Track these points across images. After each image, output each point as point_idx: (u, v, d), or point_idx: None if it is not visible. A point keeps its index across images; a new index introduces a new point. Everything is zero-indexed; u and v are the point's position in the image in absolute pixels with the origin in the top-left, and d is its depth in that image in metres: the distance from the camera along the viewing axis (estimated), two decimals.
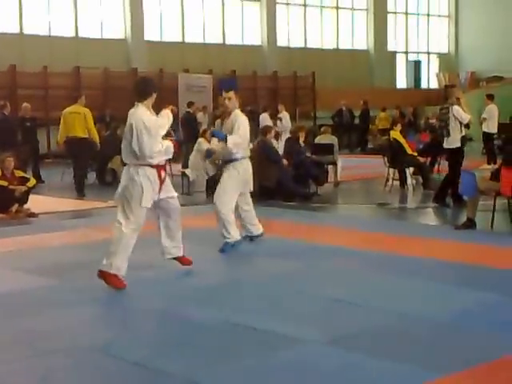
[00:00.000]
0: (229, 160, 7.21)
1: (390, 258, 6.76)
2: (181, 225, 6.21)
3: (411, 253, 6.96)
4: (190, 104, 17.10)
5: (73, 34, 21.47)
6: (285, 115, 18.36)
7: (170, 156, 5.92)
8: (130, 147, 5.76)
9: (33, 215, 9.79)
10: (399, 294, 5.48)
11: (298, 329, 4.68)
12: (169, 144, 5.88)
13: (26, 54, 19.93)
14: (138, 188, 5.75)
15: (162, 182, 5.89)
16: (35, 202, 10.15)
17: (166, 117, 6.05)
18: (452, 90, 10.45)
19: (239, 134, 6.97)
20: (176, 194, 6.16)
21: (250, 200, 7.45)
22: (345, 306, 5.20)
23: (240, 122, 7.02)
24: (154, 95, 5.90)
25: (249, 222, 7.48)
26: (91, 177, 14.18)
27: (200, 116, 18.60)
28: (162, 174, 5.90)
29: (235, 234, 7.11)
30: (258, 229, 7.54)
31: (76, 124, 12.21)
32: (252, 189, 7.44)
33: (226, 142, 6.93)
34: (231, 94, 7.14)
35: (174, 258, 6.25)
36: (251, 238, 7.48)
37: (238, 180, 7.17)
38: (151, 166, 5.79)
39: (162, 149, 5.80)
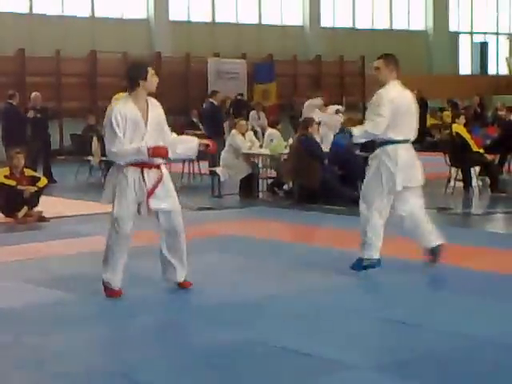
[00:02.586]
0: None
1: (451, 271, 6.70)
2: (184, 246, 6.02)
3: (476, 266, 6.89)
4: (213, 93, 17.14)
5: (89, 14, 21.71)
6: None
7: (143, 157, 5.66)
8: None
9: (44, 219, 9.92)
10: (462, 314, 5.43)
11: (341, 352, 4.67)
12: (139, 146, 5.66)
13: (36, 36, 20.21)
14: (118, 191, 5.78)
15: (156, 185, 5.76)
16: (46, 205, 10.28)
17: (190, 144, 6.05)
18: None
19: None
20: (177, 206, 5.94)
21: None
22: (397, 327, 5.17)
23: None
24: (144, 83, 5.76)
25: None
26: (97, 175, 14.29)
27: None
28: (150, 175, 5.75)
29: None
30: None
31: None
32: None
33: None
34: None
35: (178, 283, 6.11)
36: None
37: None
38: (132, 164, 5.72)
39: (125, 148, 5.63)
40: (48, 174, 13.63)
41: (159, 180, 5.80)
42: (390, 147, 6.42)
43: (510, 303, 5.73)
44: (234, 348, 4.81)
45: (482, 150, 12.37)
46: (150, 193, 5.76)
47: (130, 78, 5.82)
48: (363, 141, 6.96)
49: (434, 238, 6.65)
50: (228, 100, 19.38)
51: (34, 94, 14.72)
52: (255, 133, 15.68)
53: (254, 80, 22.76)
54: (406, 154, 6.46)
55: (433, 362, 4.53)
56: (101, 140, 14.93)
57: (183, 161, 14.58)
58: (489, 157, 12.53)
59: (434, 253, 6.65)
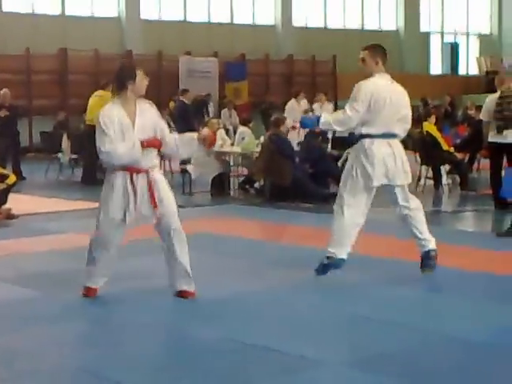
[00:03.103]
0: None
1: (417, 268, 6.74)
2: (186, 250, 5.84)
3: (446, 263, 6.92)
4: (183, 92, 17.13)
5: (59, 12, 21.56)
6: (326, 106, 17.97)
7: (133, 160, 5.50)
8: None
9: (12, 217, 9.81)
10: (431, 311, 5.47)
11: (312, 348, 4.67)
12: (133, 141, 5.48)
13: (6, 34, 20.01)
14: (104, 195, 5.68)
15: (151, 193, 5.57)
16: (15, 202, 10.17)
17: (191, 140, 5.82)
18: (502, 76, 10.47)
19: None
20: (175, 210, 5.76)
21: None
22: (370, 324, 5.19)
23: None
24: (133, 86, 5.59)
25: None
26: (78, 174, 14.22)
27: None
28: (140, 180, 5.58)
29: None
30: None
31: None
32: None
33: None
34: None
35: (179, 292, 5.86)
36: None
37: None
38: (122, 169, 5.58)
39: (117, 146, 5.46)
40: (17, 172, 13.50)
41: (151, 187, 5.60)
42: (366, 141, 6.15)
43: (477, 300, 5.77)
44: (206, 345, 4.80)
45: (452, 149, 12.48)
46: (154, 203, 5.58)
47: (118, 80, 5.66)
48: (327, 130, 6.81)
49: (427, 243, 6.39)
50: (199, 98, 19.39)
51: (3, 91, 14.60)
52: (227, 131, 15.69)
53: (225, 79, 22.75)
54: (385, 149, 6.14)
55: (404, 357, 4.56)
56: (71, 137, 14.87)
57: None
58: (459, 155, 12.64)
59: (425, 257, 6.39)
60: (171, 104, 18.04)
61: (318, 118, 6.29)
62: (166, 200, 5.68)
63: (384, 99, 6.08)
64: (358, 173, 6.16)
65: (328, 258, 6.24)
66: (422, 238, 6.40)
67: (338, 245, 6.23)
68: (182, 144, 5.77)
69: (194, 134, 5.87)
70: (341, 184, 6.32)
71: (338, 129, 6.31)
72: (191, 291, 5.82)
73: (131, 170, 5.58)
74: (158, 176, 5.72)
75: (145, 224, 5.79)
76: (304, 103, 17.39)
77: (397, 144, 6.26)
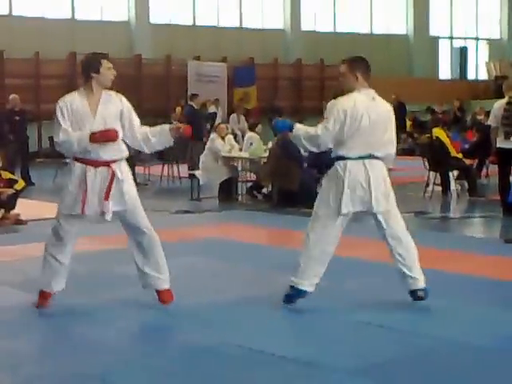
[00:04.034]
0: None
1: (428, 275, 6.72)
2: (158, 248, 5.66)
3: (453, 269, 6.94)
4: (192, 97, 17.16)
5: (68, 16, 21.65)
6: None
7: (83, 149, 5.32)
8: None
9: (21, 222, 9.86)
10: (438, 317, 5.47)
11: (316, 355, 4.68)
12: (82, 132, 5.35)
13: (15, 38, 20.11)
14: (63, 186, 5.59)
15: (110, 185, 5.39)
16: (24, 208, 10.23)
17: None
18: (510, 82, 10.44)
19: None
20: (133, 204, 5.53)
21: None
22: (375, 330, 5.20)
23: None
24: (97, 76, 5.49)
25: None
26: None
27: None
28: (97, 174, 5.40)
29: None
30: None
31: None
32: None
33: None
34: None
35: (156, 291, 5.75)
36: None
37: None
38: (76, 159, 5.44)
39: (69, 137, 5.34)
40: (26, 177, 13.57)
41: (111, 180, 5.43)
42: (340, 163, 5.52)
43: (485, 306, 5.77)
44: (209, 350, 4.81)
45: (460, 155, 12.47)
46: (106, 197, 5.42)
47: (83, 71, 5.60)
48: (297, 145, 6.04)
49: (415, 282, 5.68)
50: (208, 103, 19.41)
51: (12, 95, 14.67)
52: (235, 136, 15.71)
53: (234, 83, 22.79)
54: (360, 173, 5.48)
55: (410, 364, 4.57)
56: None
57: (162, 164, 14.58)
58: (467, 161, 12.63)
59: (412, 296, 5.72)
60: (178, 109, 18.07)
61: (292, 126, 5.66)
62: (127, 195, 5.50)
63: (361, 118, 5.45)
64: (329, 198, 5.54)
65: (291, 287, 5.68)
66: (410, 276, 5.64)
67: (301, 275, 5.63)
68: (155, 135, 5.60)
69: (167, 125, 5.70)
70: (313, 209, 5.70)
71: (307, 147, 5.70)
72: (166, 288, 5.71)
73: (88, 162, 5.44)
74: (122, 170, 5.53)
75: (104, 220, 5.56)
76: None
77: (376, 166, 5.54)
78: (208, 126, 17.77)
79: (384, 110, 5.65)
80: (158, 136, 5.60)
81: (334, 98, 5.75)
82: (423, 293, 5.63)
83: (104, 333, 5.29)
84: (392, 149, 5.68)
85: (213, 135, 12.53)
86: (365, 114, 5.45)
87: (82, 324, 5.47)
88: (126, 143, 5.68)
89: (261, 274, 6.89)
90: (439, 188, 12.17)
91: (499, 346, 4.84)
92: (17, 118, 14.32)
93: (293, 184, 11.10)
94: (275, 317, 5.55)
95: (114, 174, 5.44)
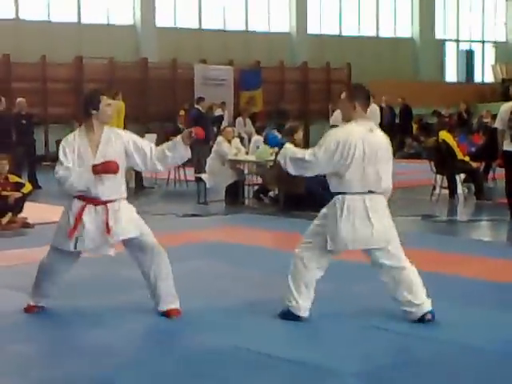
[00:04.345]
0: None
1: (435, 278, 6.71)
2: (166, 268, 5.63)
3: (460, 273, 6.93)
4: (199, 100, 17.18)
5: (75, 20, 21.70)
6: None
7: (83, 186, 5.38)
8: None
9: (28, 226, 9.89)
10: (445, 321, 5.45)
11: (325, 358, 4.69)
12: (83, 168, 5.40)
13: (22, 42, 20.18)
14: (60, 221, 5.66)
15: (106, 219, 5.39)
16: (31, 211, 10.25)
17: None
18: None
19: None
20: (145, 230, 5.57)
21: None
22: (383, 334, 5.20)
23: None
24: (96, 113, 5.47)
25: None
26: None
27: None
28: (98, 212, 5.42)
29: None
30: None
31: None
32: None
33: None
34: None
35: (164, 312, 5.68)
36: None
37: None
38: (78, 197, 5.50)
39: (70, 172, 5.40)
40: (33, 180, 13.59)
41: (106, 217, 5.41)
42: (338, 198, 5.39)
43: (495, 310, 5.76)
44: (219, 354, 4.82)
45: (467, 158, 12.45)
46: (107, 231, 5.42)
47: (83, 108, 5.58)
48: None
49: (422, 307, 5.44)
50: (214, 106, 19.43)
51: (19, 99, 14.71)
52: (241, 139, 15.72)
53: (240, 87, 22.81)
54: (357, 209, 5.31)
55: (417, 368, 4.57)
56: None
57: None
58: (474, 164, 12.61)
59: (421, 321, 5.44)
60: (181, 112, 18.09)
61: (281, 144, 5.56)
62: (137, 222, 5.55)
63: (354, 151, 5.26)
64: (324, 231, 5.40)
65: (287, 309, 5.57)
66: (416, 304, 5.41)
67: (296, 300, 5.52)
68: (170, 149, 5.56)
69: (178, 136, 5.63)
70: (308, 235, 5.56)
71: (289, 169, 5.51)
72: (175, 308, 5.67)
73: (88, 200, 5.46)
74: (123, 205, 5.53)
75: (103, 254, 5.66)
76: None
77: (376, 201, 5.37)
78: (215, 129, 17.78)
79: (381, 143, 5.46)
80: (174, 149, 5.56)
81: (332, 111, 5.68)
82: (431, 315, 5.41)
83: (111, 336, 5.31)
84: (389, 182, 5.47)
85: (219, 138, 12.55)
86: (359, 146, 5.27)
87: (90, 327, 5.49)
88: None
89: (267, 278, 6.89)
90: (446, 191, 12.16)
91: (509, 349, 4.84)
92: (23, 121, 14.35)
93: (299, 187, 11.09)
94: (282, 320, 5.54)
95: (107, 210, 5.43)
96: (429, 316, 5.40)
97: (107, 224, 5.41)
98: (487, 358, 4.73)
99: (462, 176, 12.46)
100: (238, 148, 12.67)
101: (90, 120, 5.53)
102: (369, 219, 5.30)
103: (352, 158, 5.27)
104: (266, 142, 6.13)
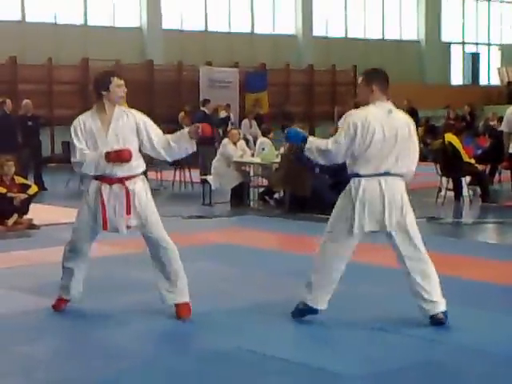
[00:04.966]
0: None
1: (440, 280, 6.70)
2: (175, 262, 5.65)
3: (466, 275, 6.92)
4: (205, 102, 17.17)
5: (81, 22, 21.74)
6: None
7: (99, 170, 5.45)
8: None
9: (34, 227, 9.90)
10: (450, 323, 5.44)
11: (330, 361, 4.68)
12: (96, 154, 5.45)
13: (28, 44, 20.21)
14: (81, 203, 5.69)
15: (127, 200, 5.46)
16: (37, 212, 10.26)
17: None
18: None
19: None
20: (156, 220, 5.61)
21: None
22: (389, 337, 5.18)
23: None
24: (107, 94, 5.55)
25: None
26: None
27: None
28: (113, 190, 5.48)
29: None
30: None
31: None
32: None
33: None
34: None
35: (175, 305, 5.69)
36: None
37: None
38: (94, 178, 5.56)
39: (85, 156, 5.45)
40: (39, 182, 13.62)
41: (128, 197, 5.48)
42: (355, 181, 5.31)
43: (501, 313, 5.74)
44: (223, 356, 4.81)
45: (472, 160, 12.42)
46: (128, 211, 5.49)
47: (94, 89, 5.69)
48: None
49: (436, 306, 5.38)
50: (220, 108, 19.43)
51: (25, 101, 14.73)
52: (247, 141, 15.71)
53: (246, 89, 22.81)
54: (374, 191, 5.24)
55: (423, 370, 4.56)
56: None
57: (174, 169, 14.61)
58: (480, 167, 12.58)
59: (432, 321, 5.40)
60: (181, 114, 18.01)
61: (305, 138, 5.42)
62: (144, 210, 5.56)
63: (373, 132, 5.19)
64: (342, 216, 5.35)
65: (303, 303, 5.53)
66: (428, 300, 5.34)
67: (314, 293, 5.48)
68: (175, 140, 5.60)
69: (186, 129, 5.69)
70: (327, 226, 5.52)
71: (320, 161, 5.48)
72: (184, 301, 5.66)
73: (103, 179, 5.55)
74: (138, 185, 5.58)
75: (119, 235, 5.69)
76: None
77: (393, 184, 5.29)
78: (221, 131, 17.77)
79: (402, 124, 5.34)
80: (179, 141, 5.60)
81: (356, 106, 5.67)
82: (443, 315, 5.34)
83: (119, 337, 5.31)
84: (411, 165, 5.38)
85: (225, 140, 12.55)
86: (378, 128, 5.20)
87: (98, 328, 5.49)
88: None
89: (273, 280, 6.88)
90: (452, 193, 12.13)
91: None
92: (30, 123, 14.38)
93: (305, 189, 11.09)
94: (288, 322, 5.53)
95: (127, 190, 5.50)
96: (441, 316, 5.33)
97: (128, 205, 5.47)
98: (494, 360, 4.71)
99: (468, 178, 12.43)
100: (244, 150, 12.66)
101: (100, 101, 5.60)
102: (383, 203, 5.22)
103: (370, 140, 5.19)
104: (286, 138, 6.01)
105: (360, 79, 5.56)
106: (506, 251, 8.27)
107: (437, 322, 5.35)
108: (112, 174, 5.51)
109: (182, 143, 5.60)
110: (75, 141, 5.54)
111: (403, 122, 5.39)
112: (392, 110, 5.40)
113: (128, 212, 5.50)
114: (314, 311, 5.48)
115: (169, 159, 5.84)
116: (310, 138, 5.44)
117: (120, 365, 4.73)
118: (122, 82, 5.64)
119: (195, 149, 5.67)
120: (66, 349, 5.08)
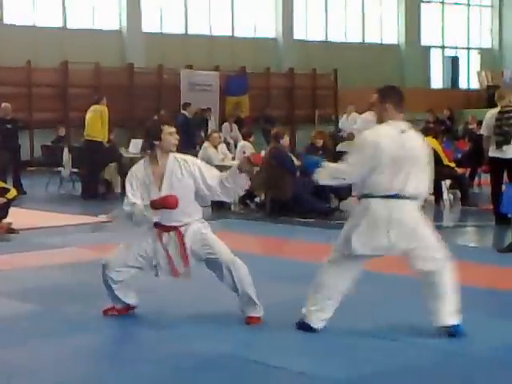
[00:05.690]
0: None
1: (420, 284, 6.75)
2: (246, 278, 5.73)
3: None
4: (185, 105, 17.15)
5: (60, 25, 21.65)
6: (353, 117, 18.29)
7: (146, 220, 5.51)
8: None
9: (13, 231, 9.85)
10: (430, 327, 5.47)
11: (317, 365, 4.70)
12: (142, 205, 5.45)
13: (6, 46, 20.06)
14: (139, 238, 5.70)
15: (182, 250, 5.58)
16: (16, 216, 10.20)
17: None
18: (503, 90, 10.50)
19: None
20: (221, 249, 5.79)
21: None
22: (370, 340, 5.20)
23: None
24: (160, 143, 5.52)
25: None
26: (79, 188, 14.25)
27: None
28: (171, 238, 5.57)
29: None
30: None
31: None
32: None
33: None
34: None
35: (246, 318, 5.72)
36: None
37: None
38: (154, 225, 5.59)
39: (133, 206, 5.47)
40: (18, 186, 13.54)
41: (182, 246, 5.58)
42: (363, 202, 5.24)
43: (479, 316, 5.77)
44: (208, 361, 4.81)
45: (452, 164, 12.51)
46: (185, 264, 5.63)
47: (146, 141, 5.68)
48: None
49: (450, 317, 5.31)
50: (201, 112, 19.40)
51: (3, 104, 14.67)
52: (227, 145, 15.72)
53: (226, 93, 22.82)
54: (383, 213, 5.12)
55: (408, 374, 4.58)
56: (72, 151, 14.90)
57: None
58: (459, 170, 12.66)
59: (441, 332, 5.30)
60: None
61: (319, 163, 5.35)
62: (212, 246, 5.73)
63: (385, 153, 5.09)
64: (350, 237, 5.24)
65: (304, 319, 5.49)
66: (440, 312, 5.27)
67: (315, 313, 5.44)
68: (228, 180, 5.59)
69: (235, 166, 5.67)
70: (334, 245, 5.50)
71: (332, 183, 5.56)
72: (256, 316, 5.68)
73: (158, 227, 5.58)
74: (195, 228, 5.66)
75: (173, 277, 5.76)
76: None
77: (403, 207, 5.16)
78: (202, 132, 17.76)
79: (415, 145, 5.23)
80: (232, 180, 5.58)
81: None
82: (454, 330, 5.24)
83: (94, 344, 5.29)
84: (423, 188, 5.29)
85: (205, 144, 12.56)
86: (387, 149, 5.08)
87: (77, 333, 5.47)
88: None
89: (256, 284, 6.86)
90: (432, 197, 12.20)
91: (498, 355, 4.87)
92: (8, 126, 14.34)
93: (286, 193, 11.13)
94: (271, 327, 5.54)
95: (182, 239, 5.56)
96: (451, 330, 5.23)
97: (184, 254, 5.57)
98: (476, 364, 4.75)
99: (448, 182, 12.51)
100: (225, 153, 12.68)
101: (153, 151, 5.56)
102: (387, 228, 5.12)
103: (380, 160, 5.09)
104: (305, 170, 6.00)
105: (374, 97, 5.42)
106: (486, 254, 8.33)
107: (448, 334, 5.26)
108: (167, 221, 5.53)
109: (236, 181, 5.59)
110: (128, 192, 5.55)
111: (416, 142, 5.28)
112: (405, 129, 5.27)
113: (186, 264, 5.62)
114: (312, 330, 5.40)
115: (227, 200, 5.86)
116: (325, 164, 5.36)
117: (104, 370, 4.71)
118: (173, 129, 5.61)
119: (249, 183, 5.66)
120: (44, 354, 5.04)
